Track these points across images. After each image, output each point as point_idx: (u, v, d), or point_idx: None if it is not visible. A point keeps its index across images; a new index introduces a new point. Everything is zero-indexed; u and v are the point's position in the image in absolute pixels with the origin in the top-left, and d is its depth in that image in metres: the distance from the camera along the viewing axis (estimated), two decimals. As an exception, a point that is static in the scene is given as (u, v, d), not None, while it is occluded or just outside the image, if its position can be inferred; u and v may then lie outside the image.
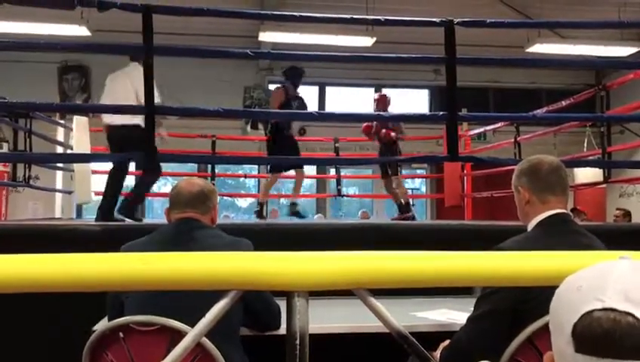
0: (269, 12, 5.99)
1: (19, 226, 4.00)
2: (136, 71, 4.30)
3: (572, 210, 7.85)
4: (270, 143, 5.68)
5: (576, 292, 0.72)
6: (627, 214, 7.39)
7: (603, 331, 0.66)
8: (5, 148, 7.34)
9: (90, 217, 10.33)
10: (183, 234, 2.02)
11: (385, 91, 7.19)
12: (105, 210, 4.29)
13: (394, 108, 7.86)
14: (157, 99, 4.19)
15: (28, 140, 5.73)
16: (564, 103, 5.71)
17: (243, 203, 12.27)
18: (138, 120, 4.25)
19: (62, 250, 1.06)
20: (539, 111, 5.98)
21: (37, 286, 0.97)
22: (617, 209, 7.77)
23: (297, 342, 1.06)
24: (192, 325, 1.14)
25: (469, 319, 1.80)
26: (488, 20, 4.38)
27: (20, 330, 2.90)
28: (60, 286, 0.98)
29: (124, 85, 4.39)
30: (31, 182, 6.02)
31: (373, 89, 11.53)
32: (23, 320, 2.89)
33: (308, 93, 11.28)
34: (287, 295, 1.07)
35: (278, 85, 5.66)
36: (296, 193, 5.84)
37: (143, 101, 4.07)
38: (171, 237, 2.03)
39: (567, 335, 0.70)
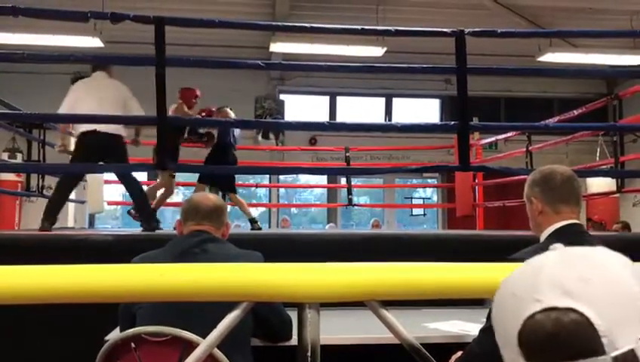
0: (280, 23, 6.03)
1: (32, 236, 4.02)
2: (116, 82, 4.53)
3: (588, 221, 7.80)
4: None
5: (513, 298, 0.66)
6: (626, 226, 7.35)
7: (547, 335, 0.61)
8: (19, 159, 7.42)
9: (102, 226, 10.41)
10: (196, 246, 2.03)
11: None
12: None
13: (403, 118, 7.82)
14: (138, 111, 4.42)
15: (41, 151, 5.78)
16: (576, 112, 5.68)
17: (254, 212, 12.29)
18: (122, 130, 4.47)
19: (74, 259, 1.06)
20: (551, 121, 5.95)
21: (52, 298, 0.98)
22: (616, 223, 7.70)
23: (309, 353, 1.06)
24: (204, 336, 1.14)
25: (481, 330, 1.78)
26: (499, 30, 4.39)
27: (33, 340, 2.91)
28: (76, 298, 0.99)
29: (112, 96, 4.49)
30: (44, 192, 6.07)
31: (384, 98, 11.57)
32: (36, 331, 2.90)
33: (319, 103, 11.40)
34: (299, 306, 1.07)
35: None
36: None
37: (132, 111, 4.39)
38: (184, 249, 2.04)
39: (514, 346, 0.64)
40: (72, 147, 4.81)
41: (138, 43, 5.24)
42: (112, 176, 6.99)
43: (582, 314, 0.60)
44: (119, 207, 11.39)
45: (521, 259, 1.84)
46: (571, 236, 1.86)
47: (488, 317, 1.76)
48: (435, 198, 12.06)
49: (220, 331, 1.07)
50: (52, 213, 4.38)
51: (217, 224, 2.16)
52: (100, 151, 4.41)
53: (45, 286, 0.98)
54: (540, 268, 0.66)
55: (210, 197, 2.24)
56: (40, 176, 5.97)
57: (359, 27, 4.42)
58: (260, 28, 7.45)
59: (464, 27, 3.87)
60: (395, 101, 11.64)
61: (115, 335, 1.88)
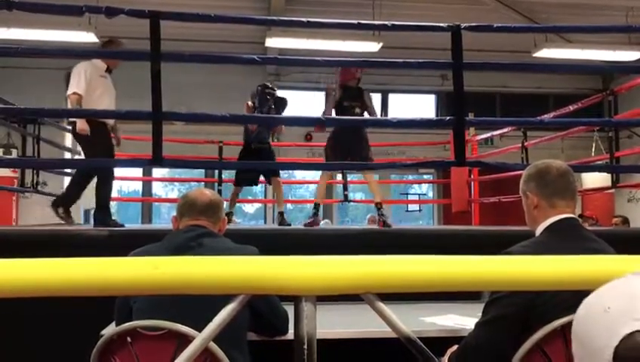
0: (275, 18, 6.00)
1: (27, 231, 4.01)
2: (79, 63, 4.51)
3: (579, 216, 7.82)
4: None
5: (606, 315, 0.68)
6: (625, 221, 7.38)
7: None
8: (14, 154, 7.39)
9: (97, 223, 10.37)
10: (192, 241, 2.03)
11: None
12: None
13: (399, 114, 7.76)
14: (75, 89, 4.32)
15: (36, 146, 5.76)
16: (571, 108, 5.69)
17: (250, 208, 12.28)
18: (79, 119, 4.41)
19: (70, 255, 1.06)
20: (546, 116, 5.96)
21: (46, 291, 0.98)
22: (615, 216, 7.74)
23: (305, 346, 1.06)
24: (200, 330, 1.14)
25: (477, 324, 1.79)
26: (495, 25, 4.37)
27: (28, 335, 2.91)
28: (70, 291, 0.99)
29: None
30: (39, 187, 6.04)
31: (380, 94, 11.56)
32: (31, 325, 2.90)
33: (315, 99, 11.37)
34: (295, 299, 1.07)
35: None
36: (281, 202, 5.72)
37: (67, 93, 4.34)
38: (181, 243, 2.04)
39: (606, 361, 0.65)
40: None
41: (133, 38, 5.21)
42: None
43: None
44: (114, 202, 11.38)
45: (518, 253, 1.85)
46: (566, 230, 1.86)
47: (485, 311, 1.77)
48: (430, 194, 12.07)
49: (215, 325, 1.07)
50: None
51: (214, 219, 2.16)
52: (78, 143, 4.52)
53: (39, 279, 0.97)
54: (634, 288, 0.70)
55: (207, 193, 2.24)
56: (35, 171, 5.94)
57: (355, 22, 4.41)
58: (256, 22, 7.43)
59: (460, 22, 3.87)
60: (391, 97, 11.63)
61: (110, 329, 1.88)
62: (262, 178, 5.75)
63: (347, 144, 4.79)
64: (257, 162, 5.59)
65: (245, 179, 5.71)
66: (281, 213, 5.41)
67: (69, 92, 4.38)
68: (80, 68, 4.44)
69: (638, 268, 1.09)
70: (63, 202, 4.72)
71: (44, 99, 8.32)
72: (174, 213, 2.23)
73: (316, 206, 4.98)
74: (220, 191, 6.89)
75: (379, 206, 4.81)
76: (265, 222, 10.80)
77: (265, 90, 5.44)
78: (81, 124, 4.35)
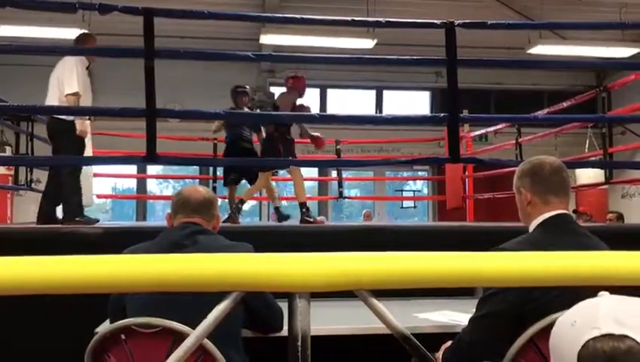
0: (270, 15, 6.00)
1: (21, 229, 4.00)
2: (60, 61, 4.34)
3: (574, 212, 7.84)
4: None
5: (572, 328, 0.80)
6: (620, 217, 7.41)
7: (606, 355, 0.74)
8: (8, 152, 7.36)
9: (91, 220, 10.33)
10: (186, 238, 2.03)
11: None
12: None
13: (393, 110, 7.76)
14: (76, 89, 4.18)
15: (30, 143, 5.73)
16: (565, 104, 5.71)
17: (245, 205, 12.26)
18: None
19: (64, 253, 1.06)
20: (540, 113, 5.97)
21: (39, 289, 0.97)
22: (610, 212, 7.78)
23: (299, 343, 1.06)
24: (194, 327, 1.14)
25: (470, 320, 1.79)
26: (489, 22, 4.38)
27: (21, 333, 2.90)
28: (63, 288, 0.98)
29: (54, 78, 4.35)
30: (33, 185, 6.02)
31: (374, 91, 11.57)
32: (24, 323, 2.89)
33: (309, 95, 11.37)
34: (289, 296, 1.07)
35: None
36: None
37: (65, 92, 4.19)
38: (174, 241, 2.03)
39: None
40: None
41: (127, 35, 5.19)
42: (101, 169, 6.95)
43: (636, 342, 0.75)
44: (109, 200, 11.36)
45: (511, 249, 1.86)
46: (560, 226, 1.87)
47: (478, 307, 1.78)
48: (425, 191, 12.09)
49: (209, 322, 1.07)
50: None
51: (208, 217, 2.15)
52: (50, 138, 4.36)
53: (33, 277, 0.97)
54: (597, 305, 0.82)
55: (200, 190, 2.22)
56: (28, 169, 5.91)
57: (349, 18, 4.40)
58: (250, 19, 7.42)
59: (454, 19, 3.87)
60: (386, 93, 11.64)
61: (104, 327, 1.87)
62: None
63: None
64: (255, 159, 5.60)
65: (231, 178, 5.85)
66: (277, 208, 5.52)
67: (69, 91, 4.19)
68: (72, 63, 4.27)
69: (631, 264, 1.10)
70: (75, 213, 4.38)
71: (38, 96, 8.28)
72: (169, 211, 2.22)
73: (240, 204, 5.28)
74: (214, 189, 6.89)
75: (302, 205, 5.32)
76: (260, 219, 10.79)
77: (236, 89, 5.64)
78: (82, 126, 4.18)
